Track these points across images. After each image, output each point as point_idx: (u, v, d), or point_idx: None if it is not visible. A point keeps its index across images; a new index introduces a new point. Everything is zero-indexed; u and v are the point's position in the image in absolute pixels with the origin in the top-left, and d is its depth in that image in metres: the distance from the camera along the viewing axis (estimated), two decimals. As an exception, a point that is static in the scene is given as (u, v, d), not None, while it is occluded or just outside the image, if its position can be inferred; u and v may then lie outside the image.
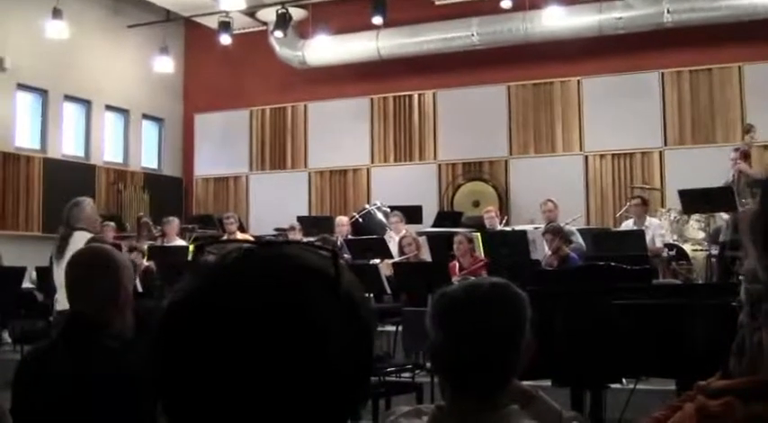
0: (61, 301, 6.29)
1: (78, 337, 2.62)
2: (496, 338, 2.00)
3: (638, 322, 4.33)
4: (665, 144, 13.76)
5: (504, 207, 13.98)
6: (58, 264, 6.58)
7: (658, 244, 10.20)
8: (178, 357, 0.88)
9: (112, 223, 12.86)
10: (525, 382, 2.27)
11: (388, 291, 9.05)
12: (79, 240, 6.40)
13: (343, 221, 12.26)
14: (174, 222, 12.02)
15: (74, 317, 2.69)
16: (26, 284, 10.66)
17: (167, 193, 16.43)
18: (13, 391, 2.66)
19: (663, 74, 13.86)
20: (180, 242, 11.92)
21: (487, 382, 2.00)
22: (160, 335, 0.91)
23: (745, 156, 9.87)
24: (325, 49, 15.19)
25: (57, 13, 13.26)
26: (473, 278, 8.58)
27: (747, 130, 9.94)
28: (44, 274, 10.50)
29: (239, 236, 12.30)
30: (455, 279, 8.82)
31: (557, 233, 9.28)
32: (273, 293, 0.89)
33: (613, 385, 4.68)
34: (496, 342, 2.00)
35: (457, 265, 9.40)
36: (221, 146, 16.89)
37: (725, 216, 9.78)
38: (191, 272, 0.94)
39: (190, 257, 10.78)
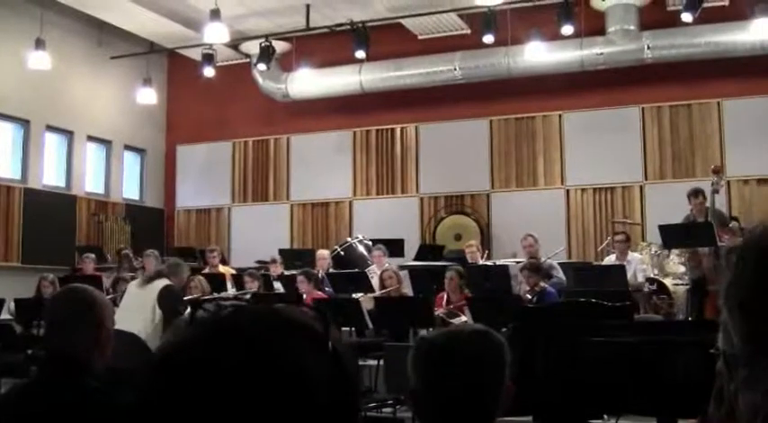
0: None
1: (58, 377, 2.60)
2: (476, 386, 2.01)
3: (619, 359, 4.34)
4: (646, 178, 13.84)
5: (485, 240, 13.99)
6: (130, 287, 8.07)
7: (640, 279, 10.16)
8: (168, 409, 0.89)
9: (92, 255, 12.82)
10: (506, 419, 2.27)
11: (370, 325, 9.02)
12: (159, 286, 7.60)
13: (324, 255, 12.24)
14: (153, 255, 11.96)
15: (53, 356, 2.68)
16: (4, 316, 10.56)
17: (149, 224, 16.36)
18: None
19: (643, 109, 13.97)
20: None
21: (467, 428, 2.00)
22: (151, 387, 0.91)
23: (696, 195, 9.99)
24: (308, 82, 15.27)
25: (39, 44, 13.27)
26: (455, 319, 8.58)
27: (717, 170, 9.99)
28: (23, 306, 10.44)
29: (221, 268, 12.26)
30: (440, 311, 8.84)
31: (535, 270, 9.23)
32: (264, 346, 0.91)
33: (594, 421, 4.68)
34: (476, 390, 2.01)
35: (445, 297, 9.39)
36: (203, 177, 16.88)
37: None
38: (185, 327, 0.95)
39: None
